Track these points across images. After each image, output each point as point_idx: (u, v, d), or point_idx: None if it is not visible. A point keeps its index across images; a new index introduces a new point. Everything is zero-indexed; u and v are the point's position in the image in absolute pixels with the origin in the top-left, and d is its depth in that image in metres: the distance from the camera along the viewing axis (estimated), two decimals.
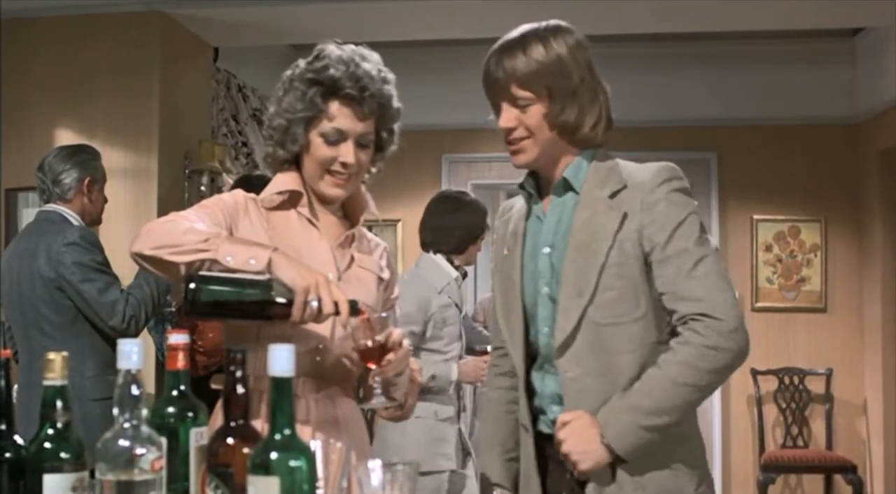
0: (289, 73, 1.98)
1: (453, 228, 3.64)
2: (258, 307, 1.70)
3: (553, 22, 1.87)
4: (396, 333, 1.81)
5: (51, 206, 3.36)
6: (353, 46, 1.97)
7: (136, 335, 3.27)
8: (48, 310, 3.22)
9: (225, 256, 1.71)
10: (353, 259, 2.01)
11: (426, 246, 3.69)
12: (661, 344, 1.80)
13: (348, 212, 2.08)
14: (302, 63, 1.97)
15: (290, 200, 1.99)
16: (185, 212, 1.89)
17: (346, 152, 1.93)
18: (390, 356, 1.79)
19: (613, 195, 1.82)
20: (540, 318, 1.88)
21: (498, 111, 1.88)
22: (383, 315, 1.80)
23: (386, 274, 2.07)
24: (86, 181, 3.36)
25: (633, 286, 1.79)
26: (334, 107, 1.92)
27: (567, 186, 1.88)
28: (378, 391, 1.81)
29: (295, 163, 2.00)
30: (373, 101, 1.93)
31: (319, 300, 1.67)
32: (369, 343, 1.77)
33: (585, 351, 1.80)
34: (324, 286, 1.68)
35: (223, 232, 1.82)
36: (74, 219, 3.34)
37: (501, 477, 1.99)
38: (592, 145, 1.87)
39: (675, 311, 1.77)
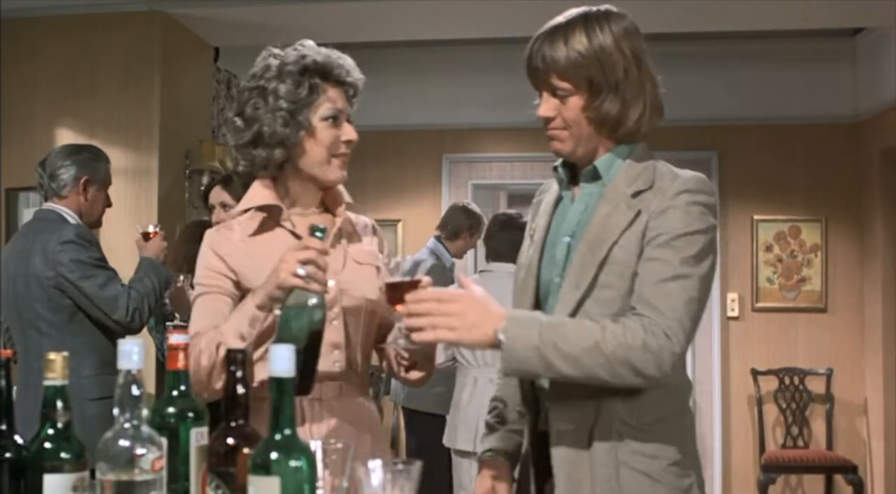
0: (257, 71, 2.00)
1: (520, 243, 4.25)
2: (309, 328, 1.67)
3: (604, 7, 1.81)
4: (425, 280, 1.78)
5: (48, 205, 3.35)
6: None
7: (140, 328, 3.28)
8: (45, 310, 3.22)
9: (235, 340, 1.75)
10: (346, 255, 2.00)
11: (504, 258, 4.00)
12: None
13: (328, 207, 2.06)
14: (274, 61, 1.98)
15: (270, 216, 1.98)
16: (192, 320, 1.91)
17: (348, 130, 1.97)
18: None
19: (636, 194, 1.76)
20: (549, 306, 1.82)
21: (539, 95, 1.83)
22: (397, 259, 1.78)
23: (380, 261, 2.07)
24: (82, 180, 3.34)
25: (632, 287, 1.72)
26: (330, 90, 1.96)
27: (596, 175, 1.82)
28: (403, 333, 1.77)
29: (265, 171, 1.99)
30: (355, 83, 1.99)
31: (305, 271, 1.68)
32: (397, 280, 1.75)
33: None
34: (289, 262, 1.70)
35: (221, 323, 1.83)
36: (71, 218, 3.32)
37: (495, 445, 1.95)
38: (636, 138, 1.81)
39: (633, 309, 1.69)
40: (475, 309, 1.65)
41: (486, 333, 1.64)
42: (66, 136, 4.63)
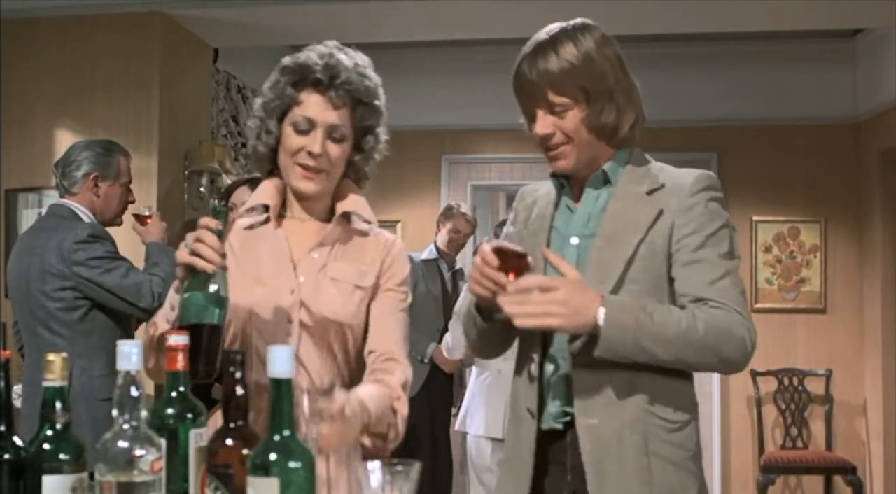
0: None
1: None
2: (204, 303, 1.64)
3: (579, 20, 1.86)
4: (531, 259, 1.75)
5: (62, 201, 3.29)
6: (339, 45, 1.93)
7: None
8: (57, 308, 3.15)
9: (163, 322, 1.77)
10: (325, 268, 1.91)
11: None
12: None
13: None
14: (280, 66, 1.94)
15: (270, 213, 1.95)
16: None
17: (314, 142, 1.86)
18: (321, 429, 1.61)
19: (651, 192, 1.82)
20: None
21: (530, 116, 1.86)
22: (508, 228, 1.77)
23: (367, 282, 1.92)
24: (92, 176, 3.27)
25: (656, 281, 1.79)
26: (304, 95, 1.88)
27: (605, 179, 1.87)
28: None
29: (276, 167, 1.96)
30: (343, 90, 1.87)
31: (190, 247, 1.66)
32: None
33: None
34: (187, 240, 1.68)
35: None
36: (86, 216, 3.25)
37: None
38: (629, 145, 1.88)
39: (700, 301, 1.76)
40: (577, 296, 1.69)
41: (587, 319, 1.69)
42: (65, 137, 4.63)
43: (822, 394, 6.26)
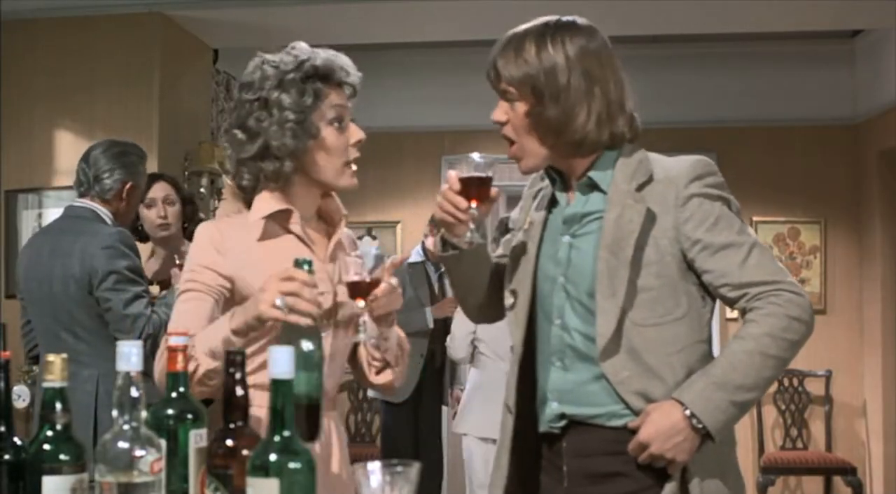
0: (255, 80, 1.94)
1: None
2: (305, 371, 1.57)
3: (565, 19, 1.84)
4: (383, 285, 1.78)
5: (84, 202, 3.16)
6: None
7: (151, 353, 3.12)
8: (82, 314, 3.04)
9: (205, 357, 1.68)
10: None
11: None
12: (701, 343, 1.79)
13: (326, 220, 2.02)
14: (271, 69, 1.92)
15: (279, 222, 1.90)
16: (178, 316, 1.82)
17: (355, 131, 1.93)
18: (377, 290, 1.77)
19: (640, 188, 1.79)
20: (554, 307, 1.84)
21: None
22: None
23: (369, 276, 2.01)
24: (127, 185, 3.17)
25: (672, 285, 1.76)
26: (332, 93, 1.91)
27: (592, 185, 1.84)
28: (363, 327, 1.78)
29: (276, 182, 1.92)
30: (355, 83, 1.96)
31: (284, 302, 1.60)
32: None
33: (631, 354, 1.75)
34: (270, 291, 1.60)
35: (195, 343, 1.69)
36: (108, 219, 3.14)
37: None
38: (601, 146, 1.83)
39: (744, 295, 1.75)
40: (659, 423, 1.71)
41: (689, 436, 1.72)
42: (65, 138, 4.64)
43: (821, 395, 6.26)
